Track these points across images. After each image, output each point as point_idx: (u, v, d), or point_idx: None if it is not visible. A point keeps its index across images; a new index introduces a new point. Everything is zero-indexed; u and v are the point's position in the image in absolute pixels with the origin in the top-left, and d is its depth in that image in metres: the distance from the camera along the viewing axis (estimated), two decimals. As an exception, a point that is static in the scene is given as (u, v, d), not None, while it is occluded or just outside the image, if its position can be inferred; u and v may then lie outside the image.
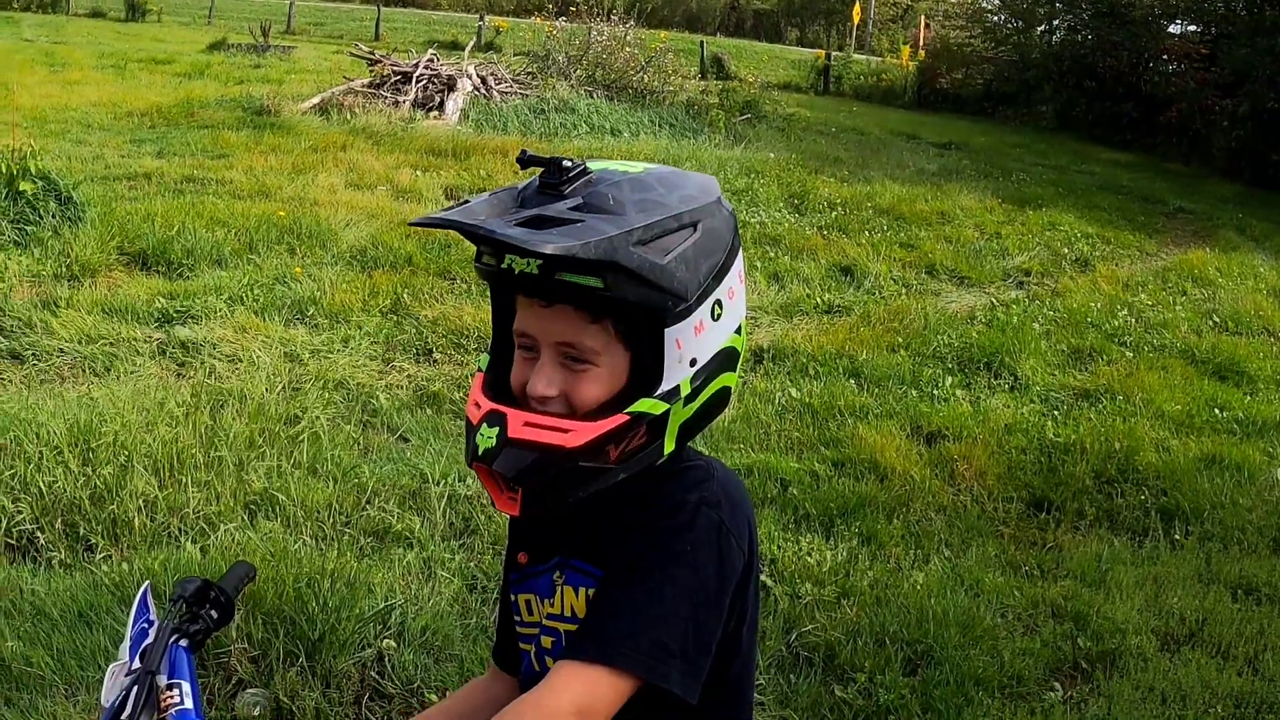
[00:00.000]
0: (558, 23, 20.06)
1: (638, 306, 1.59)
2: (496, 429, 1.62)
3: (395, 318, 7.65)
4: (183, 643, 1.92)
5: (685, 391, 1.64)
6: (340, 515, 4.90)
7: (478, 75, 17.35)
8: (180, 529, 4.60)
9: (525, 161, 1.66)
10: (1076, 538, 5.54)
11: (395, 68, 17.29)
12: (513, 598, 1.86)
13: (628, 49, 18.80)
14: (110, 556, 4.37)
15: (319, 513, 4.86)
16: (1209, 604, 4.88)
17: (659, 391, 1.62)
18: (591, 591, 1.69)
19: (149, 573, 4.04)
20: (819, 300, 9.16)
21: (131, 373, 6.30)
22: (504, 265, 1.56)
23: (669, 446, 1.66)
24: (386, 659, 3.92)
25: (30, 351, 6.45)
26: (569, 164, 1.62)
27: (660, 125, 16.89)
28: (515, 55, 21.31)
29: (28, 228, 8.16)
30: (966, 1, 33.15)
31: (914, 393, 7.17)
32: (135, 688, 1.77)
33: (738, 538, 1.65)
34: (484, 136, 14.54)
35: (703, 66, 27.88)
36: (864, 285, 9.75)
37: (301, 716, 3.61)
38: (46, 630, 3.84)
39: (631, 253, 1.55)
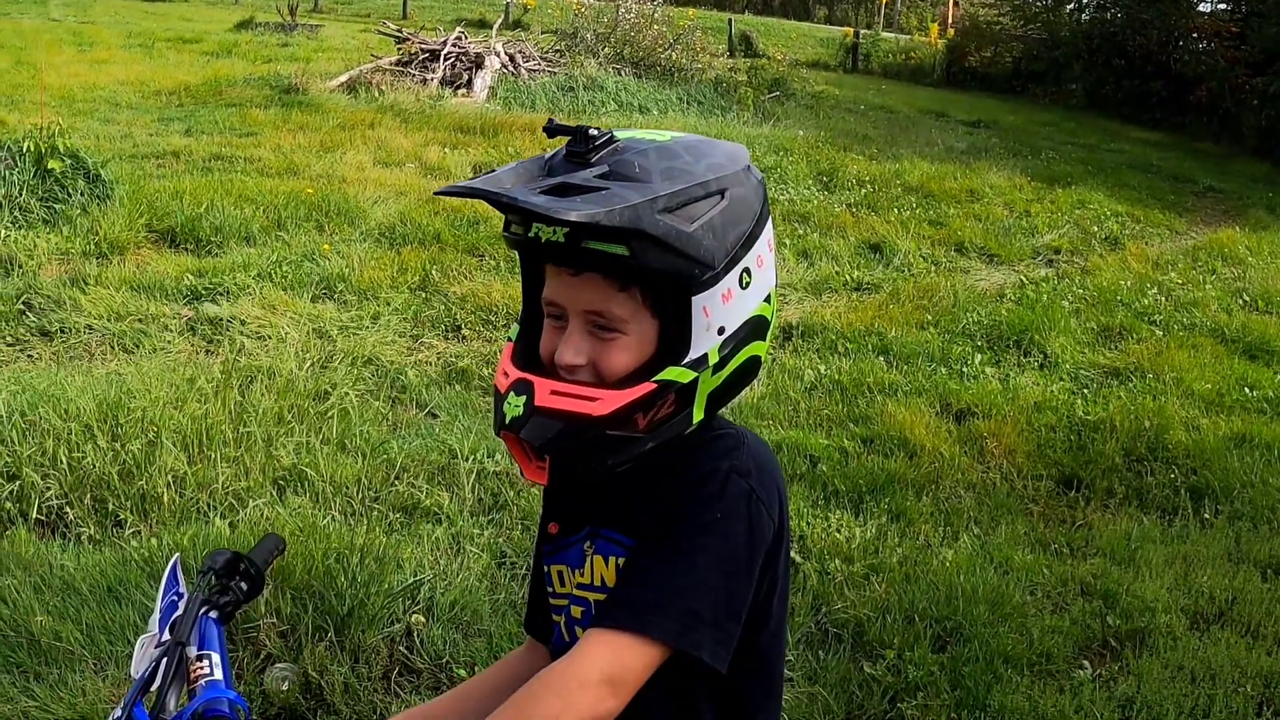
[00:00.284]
0: (586, 0, 20.01)
1: (664, 274, 1.58)
2: (524, 397, 1.61)
3: (424, 294, 7.66)
4: (212, 614, 1.92)
5: (714, 360, 1.63)
6: (369, 491, 4.92)
7: (505, 53, 17.32)
8: (209, 504, 4.62)
9: (552, 131, 1.65)
10: (1106, 516, 5.51)
11: (423, 46, 17.25)
12: (545, 569, 1.85)
13: (656, 26, 18.76)
14: (139, 532, 4.39)
15: (348, 488, 4.88)
16: (1238, 583, 4.84)
17: (687, 360, 1.61)
18: (622, 561, 1.69)
19: (178, 548, 4.05)
20: (848, 277, 9.13)
21: (160, 349, 6.34)
22: (531, 234, 1.55)
23: (698, 415, 1.65)
24: (415, 634, 3.93)
25: (59, 328, 6.48)
26: (595, 133, 1.61)
27: (688, 103, 16.85)
28: (543, 33, 21.31)
29: (56, 206, 8.20)
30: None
31: (943, 370, 7.15)
32: (165, 659, 1.76)
33: (768, 506, 1.64)
34: (512, 114, 14.49)
35: (730, 44, 27.82)
36: (893, 263, 9.72)
37: (330, 691, 3.62)
38: (76, 605, 3.86)
39: (657, 220, 1.54)
